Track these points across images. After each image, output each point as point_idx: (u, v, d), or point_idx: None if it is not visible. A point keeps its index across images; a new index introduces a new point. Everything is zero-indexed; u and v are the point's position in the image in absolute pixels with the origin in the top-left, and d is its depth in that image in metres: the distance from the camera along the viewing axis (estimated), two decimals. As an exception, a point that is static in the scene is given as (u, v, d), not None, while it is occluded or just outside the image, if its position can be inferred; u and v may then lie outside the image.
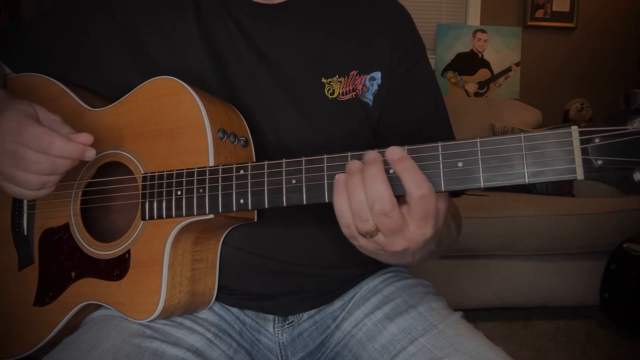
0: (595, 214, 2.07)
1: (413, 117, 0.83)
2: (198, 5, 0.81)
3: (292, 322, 0.84)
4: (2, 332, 0.84)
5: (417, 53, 0.87)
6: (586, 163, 0.51)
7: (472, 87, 3.21)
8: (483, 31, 3.19)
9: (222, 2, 0.81)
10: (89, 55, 0.82)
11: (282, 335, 0.84)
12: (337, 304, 0.85)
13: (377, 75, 0.82)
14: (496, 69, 3.22)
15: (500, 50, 3.21)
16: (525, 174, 0.53)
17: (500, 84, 3.23)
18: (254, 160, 0.74)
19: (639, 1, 3.30)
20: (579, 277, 2.17)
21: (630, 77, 3.34)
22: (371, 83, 0.82)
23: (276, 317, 0.84)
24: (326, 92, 0.80)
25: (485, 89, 3.22)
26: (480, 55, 3.20)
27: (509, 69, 3.23)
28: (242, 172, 0.65)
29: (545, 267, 2.16)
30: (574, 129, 0.51)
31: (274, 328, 0.84)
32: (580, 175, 0.51)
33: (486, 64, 3.21)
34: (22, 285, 0.82)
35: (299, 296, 0.82)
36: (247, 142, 0.74)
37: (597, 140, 0.50)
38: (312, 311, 0.85)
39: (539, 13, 3.23)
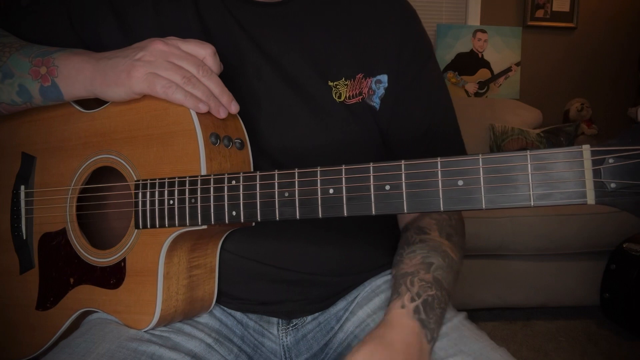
0: (595, 214, 2.07)
1: (422, 120, 0.82)
2: (197, 1, 0.79)
3: (296, 324, 0.84)
4: (7, 335, 0.84)
5: (425, 54, 0.84)
6: (598, 186, 0.46)
7: (472, 87, 3.20)
8: (483, 31, 3.18)
9: (221, 1, 0.79)
10: (90, 49, 0.79)
11: (287, 338, 0.84)
12: (341, 304, 0.84)
13: (384, 78, 0.79)
14: (496, 69, 3.21)
15: (500, 50, 3.20)
16: (531, 197, 0.49)
17: (500, 84, 3.22)
18: (252, 163, 0.73)
19: (638, 1, 3.29)
20: (579, 277, 2.17)
21: (630, 77, 3.33)
22: (377, 86, 0.79)
23: (280, 320, 0.83)
24: (334, 95, 0.78)
25: (485, 89, 3.21)
26: (480, 55, 3.19)
27: (509, 69, 3.22)
28: (234, 182, 0.62)
29: (545, 267, 2.15)
30: (585, 148, 0.47)
31: (278, 330, 0.83)
32: (590, 199, 0.47)
33: (486, 64, 3.20)
34: (24, 289, 0.82)
35: (303, 302, 0.82)
36: (243, 143, 0.71)
37: (610, 160, 0.45)
38: (316, 313, 0.84)
39: (539, 13, 3.22)
